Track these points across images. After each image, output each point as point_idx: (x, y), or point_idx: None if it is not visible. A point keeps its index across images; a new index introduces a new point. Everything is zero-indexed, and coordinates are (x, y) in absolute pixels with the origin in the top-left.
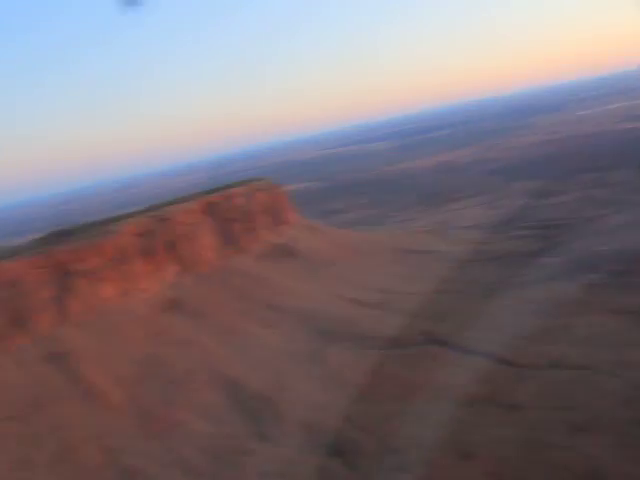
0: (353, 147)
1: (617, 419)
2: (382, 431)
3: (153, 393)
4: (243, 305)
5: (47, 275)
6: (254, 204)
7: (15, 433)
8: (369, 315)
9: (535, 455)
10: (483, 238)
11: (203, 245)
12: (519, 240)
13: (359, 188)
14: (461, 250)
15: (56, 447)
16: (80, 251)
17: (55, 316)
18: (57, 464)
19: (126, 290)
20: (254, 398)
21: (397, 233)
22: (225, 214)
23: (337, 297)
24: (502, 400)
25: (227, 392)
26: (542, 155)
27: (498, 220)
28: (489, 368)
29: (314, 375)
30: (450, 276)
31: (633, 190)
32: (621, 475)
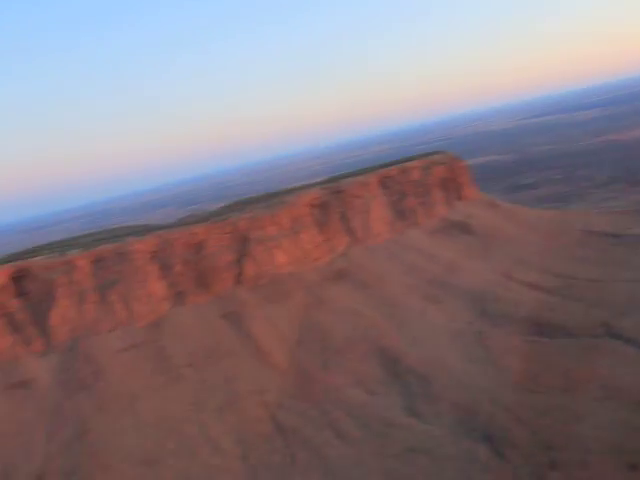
0: (555, 116)
1: None
2: (538, 424)
3: (313, 357)
4: (410, 279)
5: (229, 240)
6: (431, 178)
7: (193, 379)
8: (543, 300)
9: None
10: None
11: (375, 218)
12: None
13: (553, 161)
14: None
15: (224, 396)
16: (259, 220)
17: (233, 278)
18: (224, 411)
19: (298, 258)
20: (410, 373)
21: (590, 213)
22: (400, 188)
23: (510, 279)
24: None
25: (384, 364)
26: None
27: None
28: None
29: (474, 357)
30: None
31: None
32: None
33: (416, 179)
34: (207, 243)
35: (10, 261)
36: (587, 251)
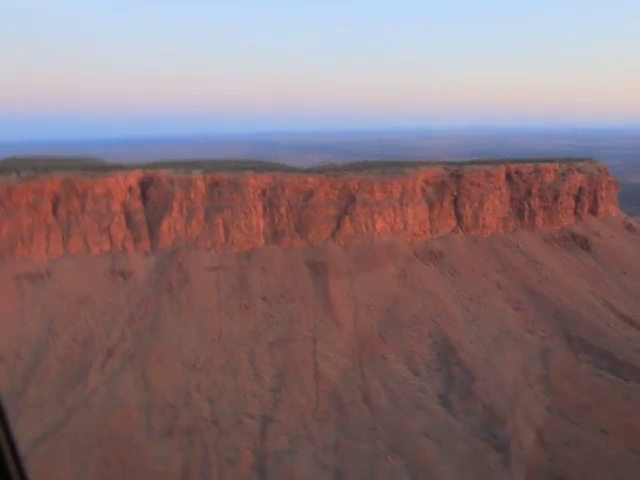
0: None
1: None
2: (558, 453)
3: (375, 324)
4: (501, 279)
5: (336, 196)
6: (565, 185)
7: (261, 311)
8: (634, 339)
9: None
10: None
11: (489, 210)
12: None
13: None
14: None
15: (281, 334)
16: (369, 183)
17: (329, 232)
18: (274, 346)
19: (398, 229)
20: (459, 365)
21: None
22: (527, 187)
23: (608, 307)
24: None
25: (439, 350)
26: None
27: None
28: None
29: (529, 371)
30: None
31: None
32: None
33: (548, 182)
34: (316, 193)
35: (144, 168)
36: None
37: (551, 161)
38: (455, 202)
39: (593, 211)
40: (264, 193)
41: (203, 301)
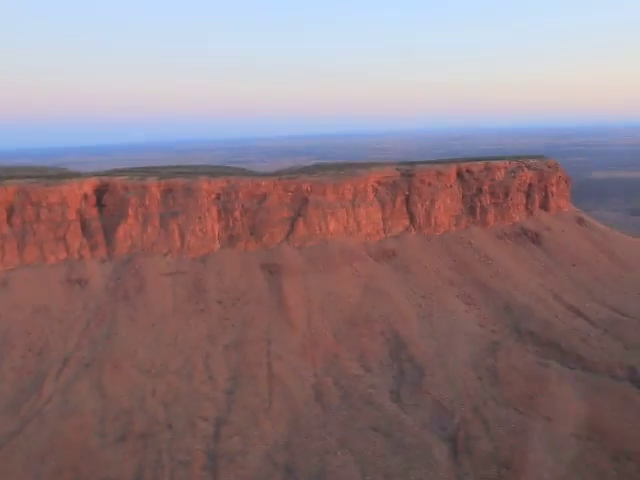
0: None
1: None
2: (505, 443)
3: (327, 324)
4: (453, 275)
5: (289, 199)
6: (515, 181)
7: (216, 314)
8: (580, 329)
9: None
10: None
11: (441, 208)
12: None
13: None
14: None
15: (236, 336)
16: (321, 185)
17: (283, 234)
18: (229, 349)
19: (350, 230)
20: (409, 361)
21: None
22: (478, 185)
23: (558, 300)
24: None
25: (391, 347)
26: None
27: None
28: None
29: (478, 364)
30: None
31: None
32: None
33: (499, 179)
34: (269, 197)
35: (99, 175)
36: None
37: (501, 159)
38: (407, 201)
39: (544, 206)
40: (218, 197)
41: (159, 307)
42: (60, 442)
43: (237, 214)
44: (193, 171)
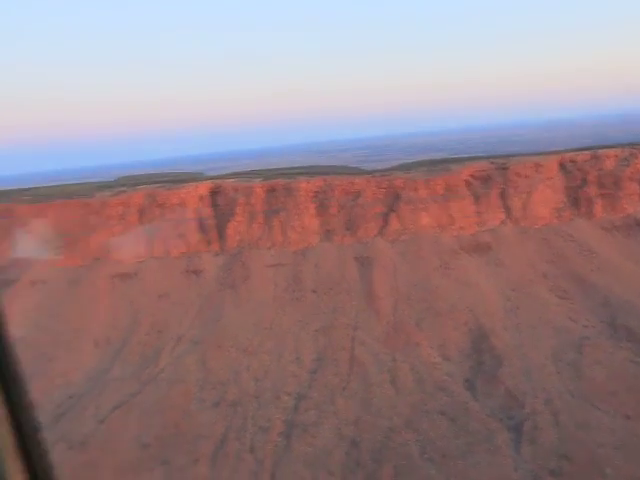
0: None
1: None
2: (574, 436)
3: (413, 313)
4: (550, 268)
5: (382, 195)
6: (628, 170)
7: (310, 302)
8: None
9: None
10: None
11: (539, 201)
12: None
13: None
14: None
15: (325, 322)
16: (413, 182)
17: (377, 229)
18: (319, 333)
19: (443, 224)
20: (489, 352)
21: None
22: (583, 175)
23: None
24: None
25: (473, 338)
26: None
27: None
28: None
29: (561, 357)
30: None
31: None
32: None
33: (608, 169)
34: (363, 193)
35: (213, 179)
36: None
37: (612, 147)
38: (502, 194)
39: None
40: (315, 195)
41: (261, 295)
42: (167, 404)
43: (333, 210)
44: (291, 172)
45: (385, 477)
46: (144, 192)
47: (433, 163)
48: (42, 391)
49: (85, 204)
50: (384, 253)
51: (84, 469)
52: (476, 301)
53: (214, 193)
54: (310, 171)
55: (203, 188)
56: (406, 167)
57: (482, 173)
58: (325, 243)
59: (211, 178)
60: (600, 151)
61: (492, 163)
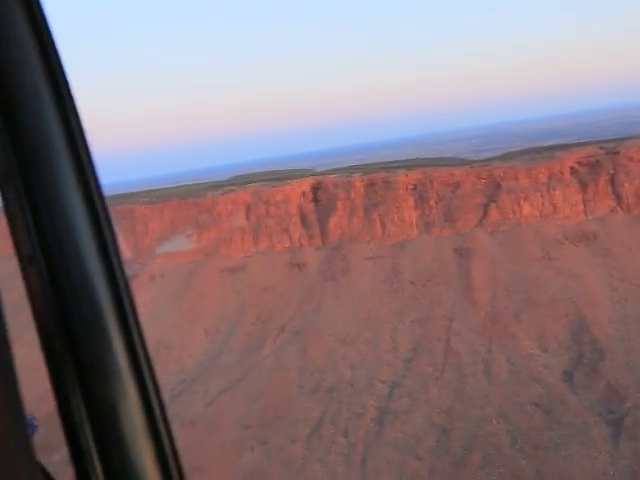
0: None
1: None
2: None
3: (511, 304)
4: None
5: (483, 185)
6: None
7: (408, 294)
8: None
9: None
10: None
11: None
12: None
13: None
14: None
15: (422, 313)
16: (514, 171)
17: (476, 220)
18: (415, 324)
19: (545, 213)
20: (591, 344)
21: None
22: None
23: None
24: None
25: (574, 329)
26: None
27: None
28: None
29: None
30: None
31: None
32: None
33: None
34: (463, 185)
35: (315, 175)
36: None
37: None
38: (612, 181)
39: None
40: (414, 188)
41: (359, 286)
42: (269, 389)
43: (432, 202)
44: (394, 166)
45: (473, 465)
46: (251, 190)
47: (538, 150)
48: (158, 376)
49: (196, 203)
50: (483, 244)
51: (193, 446)
52: (579, 292)
53: (316, 189)
54: (410, 164)
55: (305, 184)
56: (510, 156)
57: (590, 159)
58: (424, 235)
59: (314, 174)
60: None
61: (602, 148)
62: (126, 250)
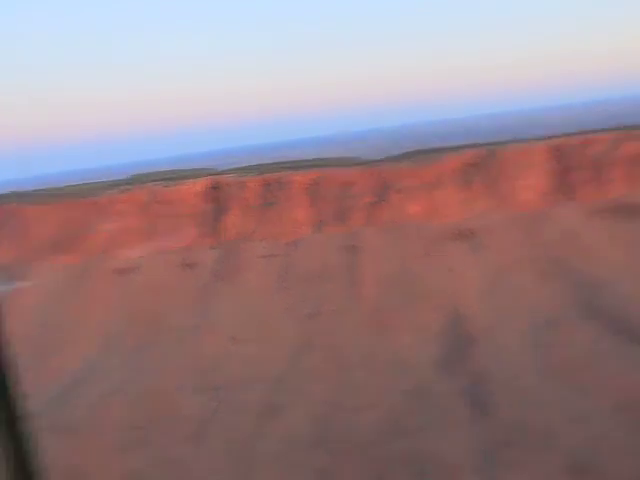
0: None
1: None
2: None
3: (392, 298)
4: (533, 252)
5: (373, 185)
6: (616, 154)
7: (298, 290)
8: None
9: None
10: None
11: (527, 186)
12: None
13: None
14: None
15: (309, 309)
16: (402, 171)
17: (366, 218)
18: (304, 319)
19: (430, 212)
20: (463, 333)
21: None
22: (571, 160)
23: None
24: None
25: (447, 321)
26: None
27: None
28: None
29: (529, 340)
30: None
31: None
32: None
33: (596, 153)
34: (354, 185)
35: (212, 175)
36: None
37: (602, 131)
38: (490, 181)
39: None
40: (309, 187)
41: (252, 285)
42: (155, 390)
43: (325, 202)
44: (290, 166)
45: (346, 453)
46: (146, 190)
47: (425, 152)
48: (41, 381)
49: (92, 203)
50: (371, 241)
51: (73, 452)
52: (456, 286)
53: (212, 188)
54: (306, 164)
55: (201, 184)
56: (399, 157)
57: (471, 161)
58: (316, 234)
59: (211, 174)
60: (590, 136)
61: (481, 150)
62: (10, 253)
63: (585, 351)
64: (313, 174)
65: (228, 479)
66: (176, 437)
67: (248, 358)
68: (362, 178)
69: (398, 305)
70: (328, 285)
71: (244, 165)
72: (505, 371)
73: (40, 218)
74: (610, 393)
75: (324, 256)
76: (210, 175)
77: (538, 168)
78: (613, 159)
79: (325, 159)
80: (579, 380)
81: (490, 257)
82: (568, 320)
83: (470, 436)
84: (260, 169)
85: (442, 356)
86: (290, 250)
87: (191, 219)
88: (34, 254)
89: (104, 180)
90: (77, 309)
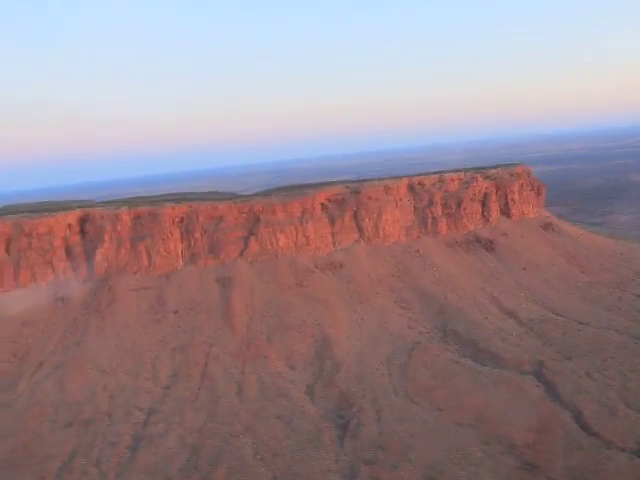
0: None
1: None
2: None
3: (265, 329)
4: (396, 282)
5: (244, 219)
6: (469, 192)
7: (171, 323)
8: (505, 329)
9: None
10: None
11: (389, 221)
12: None
13: None
14: None
15: (183, 340)
16: (272, 206)
17: (238, 251)
18: (176, 351)
19: (299, 245)
20: (330, 359)
21: None
22: (430, 196)
23: (494, 303)
24: None
25: (318, 348)
26: None
27: None
28: None
29: (389, 360)
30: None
31: None
32: None
33: (452, 190)
34: (225, 218)
35: (83, 207)
36: (613, 293)
37: (457, 171)
38: (355, 216)
39: (506, 213)
40: (181, 221)
41: (124, 317)
42: (20, 427)
43: (197, 235)
44: (158, 199)
45: (218, 478)
46: (12, 222)
47: (292, 188)
48: None
49: None
50: (243, 274)
51: None
52: (324, 315)
53: (82, 221)
54: (176, 197)
55: (72, 216)
56: (267, 192)
57: (337, 196)
58: (189, 266)
59: (81, 206)
60: (445, 175)
61: (347, 187)
62: None
63: (442, 372)
64: (184, 207)
65: None
66: (40, 475)
67: (119, 390)
68: (232, 212)
69: (269, 334)
70: (202, 317)
71: (115, 198)
72: (367, 394)
73: None
74: (462, 410)
75: (197, 288)
76: (81, 207)
77: (399, 204)
78: (466, 196)
79: (196, 193)
80: (433, 399)
81: (357, 287)
82: (426, 344)
83: (337, 456)
84: (132, 202)
85: (312, 382)
86: (163, 283)
87: (61, 252)
88: None
89: None
90: None
